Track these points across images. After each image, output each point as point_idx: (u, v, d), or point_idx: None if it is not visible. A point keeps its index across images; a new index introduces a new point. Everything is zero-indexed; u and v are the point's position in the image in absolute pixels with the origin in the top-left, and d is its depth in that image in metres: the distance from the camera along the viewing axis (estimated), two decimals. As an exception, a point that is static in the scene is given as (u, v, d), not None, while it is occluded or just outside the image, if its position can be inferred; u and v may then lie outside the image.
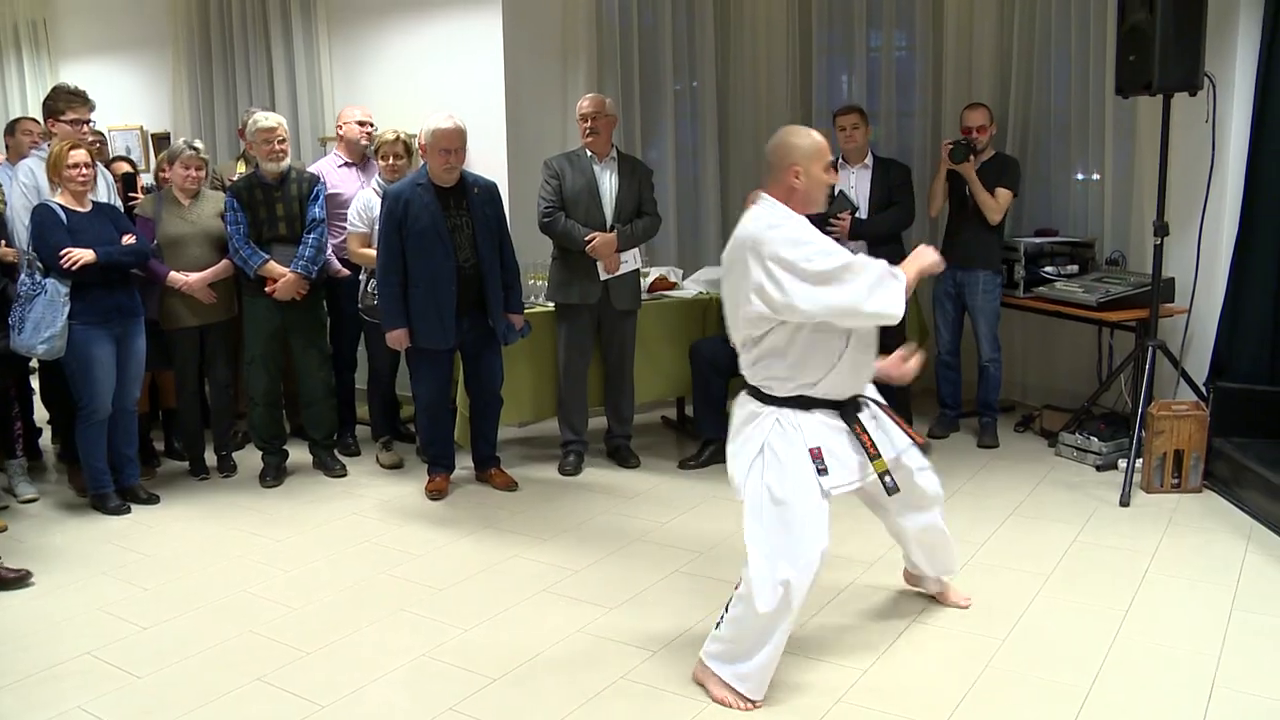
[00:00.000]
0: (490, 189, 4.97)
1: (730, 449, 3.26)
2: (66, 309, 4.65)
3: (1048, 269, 5.84)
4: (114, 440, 4.97)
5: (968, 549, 4.30)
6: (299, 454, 5.57)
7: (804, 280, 2.97)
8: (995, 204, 5.58)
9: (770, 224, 3.08)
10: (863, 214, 5.58)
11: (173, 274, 5.09)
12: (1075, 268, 5.84)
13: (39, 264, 4.67)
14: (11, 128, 5.90)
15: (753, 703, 3.15)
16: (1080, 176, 6.24)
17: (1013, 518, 4.67)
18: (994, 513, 4.72)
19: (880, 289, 3.01)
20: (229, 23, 7.25)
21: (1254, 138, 5.12)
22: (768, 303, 3.03)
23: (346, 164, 5.79)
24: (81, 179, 4.75)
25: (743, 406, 3.26)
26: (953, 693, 3.19)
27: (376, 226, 5.13)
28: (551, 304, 5.44)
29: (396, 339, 4.88)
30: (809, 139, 3.17)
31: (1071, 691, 3.18)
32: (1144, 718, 3.04)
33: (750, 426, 3.21)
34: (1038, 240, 5.95)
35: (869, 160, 5.69)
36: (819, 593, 3.89)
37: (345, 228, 5.41)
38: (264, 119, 5.15)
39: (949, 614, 3.74)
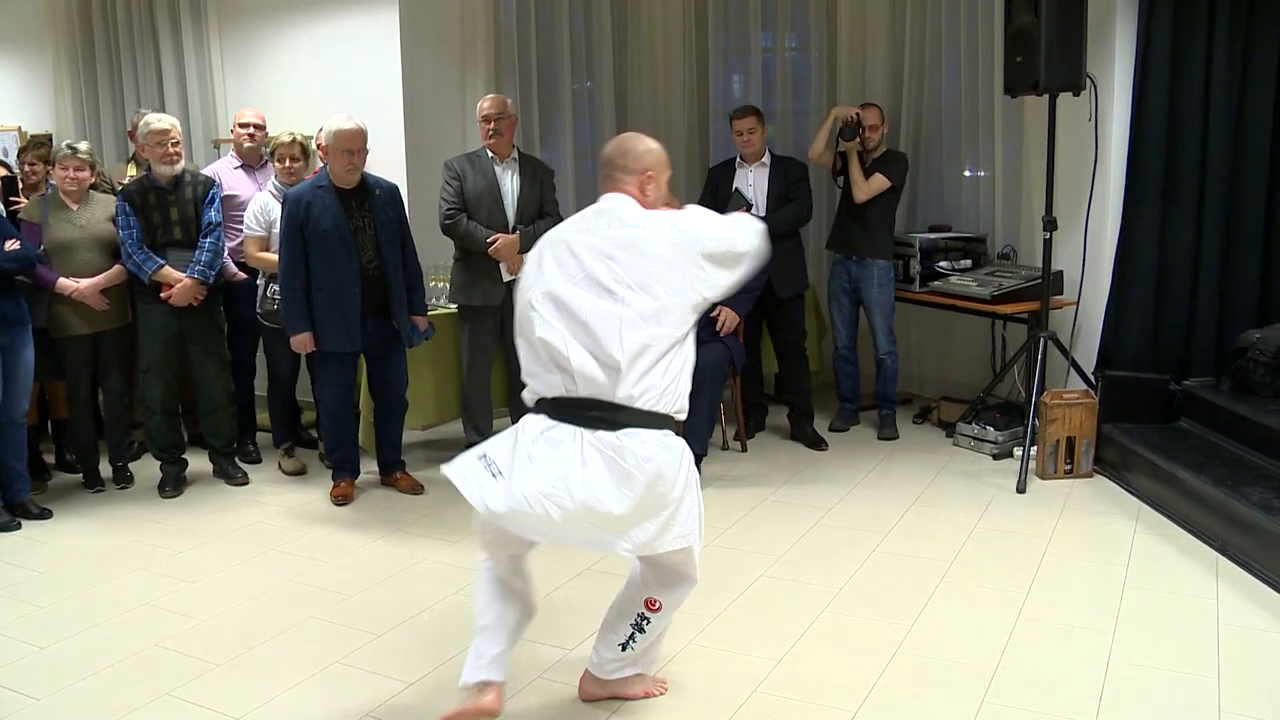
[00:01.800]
0: (392, 190, 4.93)
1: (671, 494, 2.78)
2: (-54, 318, 4.48)
3: (942, 264, 6.01)
4: (2, 454, 4.80)
5: (871, 538, 4.40)
6: (198, 463, 5.44)
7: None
8: (865, 185, 5.71)
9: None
10: (760, 210, 5.66)
11: (62, 280, 4.92)
12: (968, 262, 6.01)
13: (-84, 273, 4.50)
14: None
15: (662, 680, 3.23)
16: (970, 174, 6.43)
17: (914, 507, 4.78)
18: (896, 503, 4.84)
19: None
20: (113, 20, 7.03)
21: (1133, 136, 5.34)
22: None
23: (242, 166, 5.67)
24: (-42, 183, 4.58)
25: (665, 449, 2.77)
26: (865, 679, 3.27)
27: (274, 230, 5.06)
28: (454, 306, 5.41)
29: (301, 343, 4.80)
30: (660, 147, 2.99)
31: (979, 672, 3.28)
32: (1047, 692, 3.15)
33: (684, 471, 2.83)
34: (932, 236, 6.11)
35: (766, 159, 5.76)
36: (728, 586, 3.96)
37: (242, 231, 5.31)
38: (157, 120, 5.01)
39: (858, 603, 3.82)
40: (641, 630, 3.07)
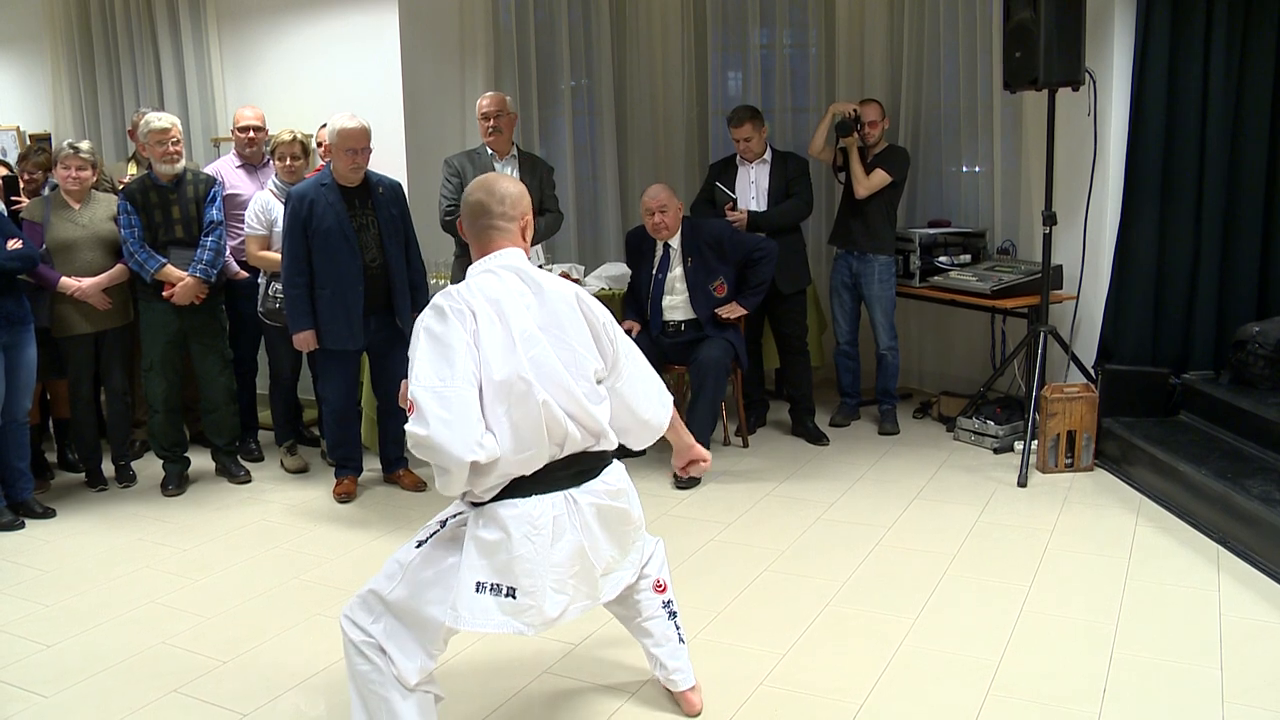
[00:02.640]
0: (395, 188, 4.94)
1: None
2: (-51, 318, 4.49)
3: (942, 259, 6.02)
4: (5, 453, 4.81)
5: (873, 533, 4.42)
6: (201, 461, 5.46)
7: None
8: (866, 181, 5.72)
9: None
10: (762, 206, 5.68)
11: (64, 279, 4.93)
12: (968, 257, 6.03)
13: (-81, 273, 4.50)
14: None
15: None
16: (969, 169, 6.44)
17: (916, 501, 4.80)
18: (897, 497, 4.85)
19: None
20: (111, 18, 7.02)
21: (1132, 130, 5.35)
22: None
23: (243, 165, 5.68)
24: (-40, 184, 4.58)
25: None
26: (869, 673, 3.28)
27: (275, 228, 5.06)
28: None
29: (304, 341, 4.81)
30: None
31: (982, 665, 3.30)
32: (1051, 684, 3.16)
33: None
34: (931, 231, 6.12)
35: (767, 155, 5.77)
36: (731, 582, 3.97)
37: (243, 230, 5.31)
38: (157, 120, 5.01)
39: (860, 598, 3.83)
40: (675, 613, 3.09)
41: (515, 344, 2.53)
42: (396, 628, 2.63)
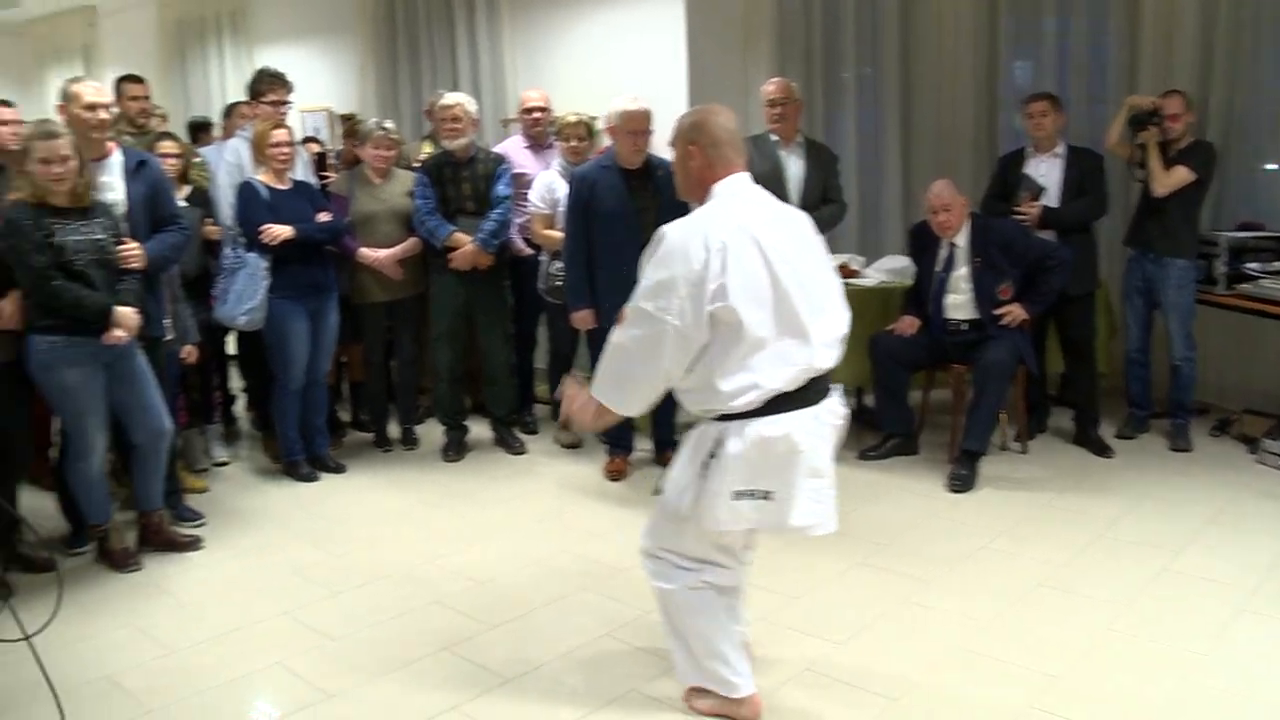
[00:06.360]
0: (675, 171, 4.97)
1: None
2: (266, 283, 4.85)
3: (1252, 265, 5.53)
4: (305, 410, 5.16)
5: (1160, 556, 4.10)
6: (479, 430, 5.69)
7: None
8: (1166, 178, 5.30)
9: None
10: (1053, 203, 5.39)
11: (363, 250, 5.24)
12: (1282, 264, 5.51)
13: (241, 239, 4.89)
14: (229, 111, 6.24)
15: None
16: (1289, 168, 5.90)
17: (1210, 526, 4.42)
18: (1189, 520, 4.48)
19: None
20: (415, 8, 7.48)
21: None
22: None
23: (530, 146, 5.88)
24: (283, 158, 4.94)
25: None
26: (1150, 708, 3.05)
27: (560, 208, 5.20)
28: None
29: (581, 319, 4.92)
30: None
31: (1277, 712, 3.01)
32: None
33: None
34: (1241, 234, 5.63)
35: (1060, 149, 5.46)
36: (1001, 592, 3.79)
37: (527, 207, 5.47)
38: (444, 98, 5.32)
39: (1147, 624, 3.57)
40: None
41: (771, 269, 2.72)
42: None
